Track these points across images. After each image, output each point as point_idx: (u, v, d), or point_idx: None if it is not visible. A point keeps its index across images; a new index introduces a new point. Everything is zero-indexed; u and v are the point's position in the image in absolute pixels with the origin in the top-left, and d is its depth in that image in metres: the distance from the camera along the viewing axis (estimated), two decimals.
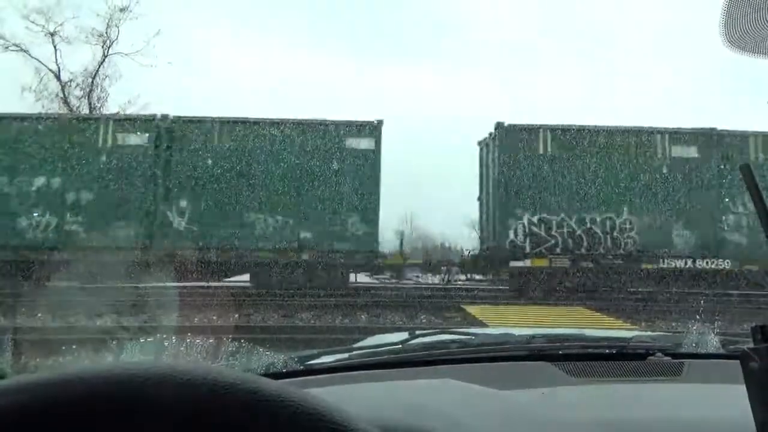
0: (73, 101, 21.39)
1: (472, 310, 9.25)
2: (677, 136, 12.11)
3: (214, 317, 8.23)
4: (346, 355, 1.28)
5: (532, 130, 11.95)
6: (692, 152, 12.09)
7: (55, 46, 20.86)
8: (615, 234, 11.83)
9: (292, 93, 35.74)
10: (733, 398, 0.78)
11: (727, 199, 12.04)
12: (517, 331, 1.52)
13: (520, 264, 11.60)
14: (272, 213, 11.49)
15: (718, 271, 11.78)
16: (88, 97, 21.42)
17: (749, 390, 0.66)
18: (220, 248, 11.20)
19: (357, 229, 11.62)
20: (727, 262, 11.87)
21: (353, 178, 11.60)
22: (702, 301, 10.98)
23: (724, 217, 12.00)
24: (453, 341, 1.37)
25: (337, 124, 11.81)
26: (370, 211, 11.69)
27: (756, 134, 12.24)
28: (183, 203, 11.38)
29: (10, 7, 21.50)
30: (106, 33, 21.00)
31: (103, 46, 21.21)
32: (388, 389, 1.07)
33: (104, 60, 21.36)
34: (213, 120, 11.64)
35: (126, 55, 21.18)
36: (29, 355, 5.46)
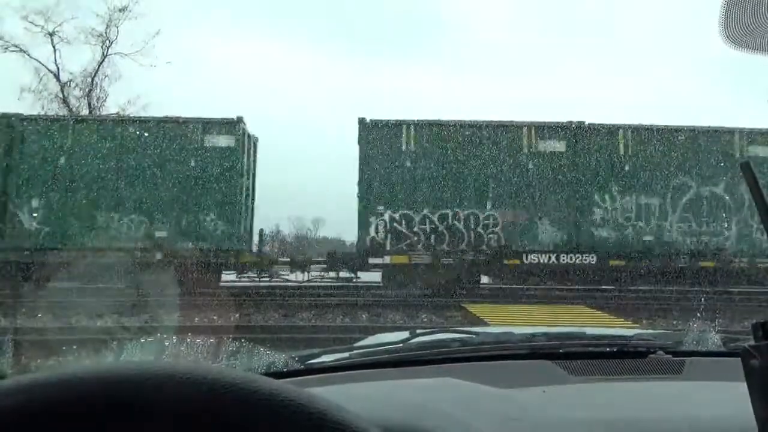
0: (73, 101, 21.49)
1: (474, 308, 9.20)
2: (543, 130, 11.98)
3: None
4: (346, 355, 1.28)
5: (394, 126, 11.82)
6: (559, 146, 11.96)
7: (54, 47, 20.92)
8: (479, 230, 11.67)
9: (293, 93, 35.79)
10: (734, 396, 0.77)
11: (593, 195, 11.90)
12: (517, 330, 1.55)
13: (379, 261, 11.42)
14: (126, 213, 11.35)
15: (582, 266, 11.62)
16: (88, 97, 21.54)
17: (750, 387, 0.65)
18: (72, 248, 11.03)
19: (216, 227, 11.48)
20: (593, 257, 11.71)
21: (212, 177, 11.46)
22: (566, 296, 10.93)
23: (589, 212, 11.86)
24: (453, 340, 1.37)
25: (195, 122, 11.68)
26: (230, 210, 11.55)
27: (625, 127, 12.10)
28: (34, 203, 11.24)
29: (9, 8, 21.68)
30: (106, 33, 21.11)
31: (102, 46, 21.31)
32: (388, 388, 1.06)
33: (104, 60, 21.42)
34: (67, 118, 11.52)
35: (125, 55, 21.24)
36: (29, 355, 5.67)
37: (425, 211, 11.61)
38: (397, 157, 11.65)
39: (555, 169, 11.80)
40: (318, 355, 1.29)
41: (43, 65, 21.00)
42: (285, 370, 1.17)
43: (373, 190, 11.60)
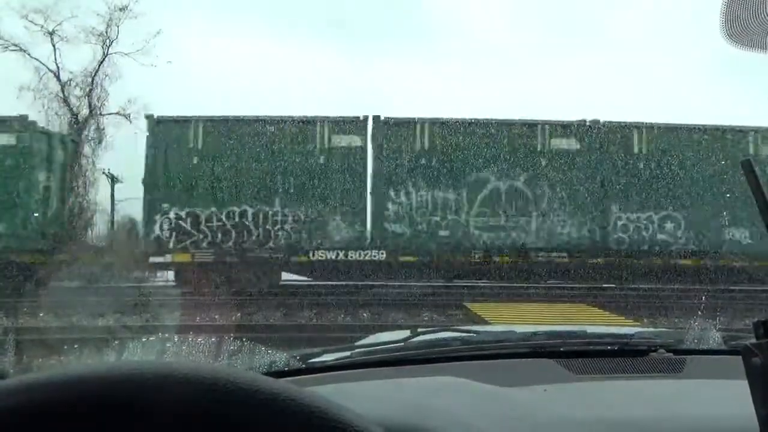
0: (73, 101, 21.26)
1: (475, 307, 9.15)
2: (337, 125, 11.83)
3: None
4: (347, 353, 1.28)
5: (183, 123, 11.67)
6: (355, 141, 11.82)
7: (54, 46, 20.75)
8: (267, 227, 11.51)
9: (293, 92, 35.74)
10: (735, 394, 0.77)
11: (391, 190, 11.75)
12: (518, 329, 1.56)
13: (160, 259, 11.27)
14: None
15: (370, 262, 11.45)
16: (88, 96, 21.27)
17: (751, 385, 0.65)
18: None
19: None
20: (382, 254, 11.54)
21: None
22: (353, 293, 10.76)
23: (383, 207, 11.70)
24: (455, 339, 1.37)
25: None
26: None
27: (423, 120, 11.94)
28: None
29: (9, 7, 21.64)
30: (106, 32, 20.91)
31: (102, 46, 21.09)
32: (390, 387, 1.06)
33: (104, 59, 21.20)
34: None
35: (126, 54, 21.05)
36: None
37: (212, 209, 11.45)
38: (185, 155, 11.51)
39: (347, 163, 11.64)
40: (319, 354, 1.29)
41: (43, 64, 20.86)
42: (286, 369, 1.18)
43: (156, 188, 11.44)
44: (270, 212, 11.51)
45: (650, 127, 12.15)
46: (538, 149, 11.95)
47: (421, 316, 9.26)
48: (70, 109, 20.52)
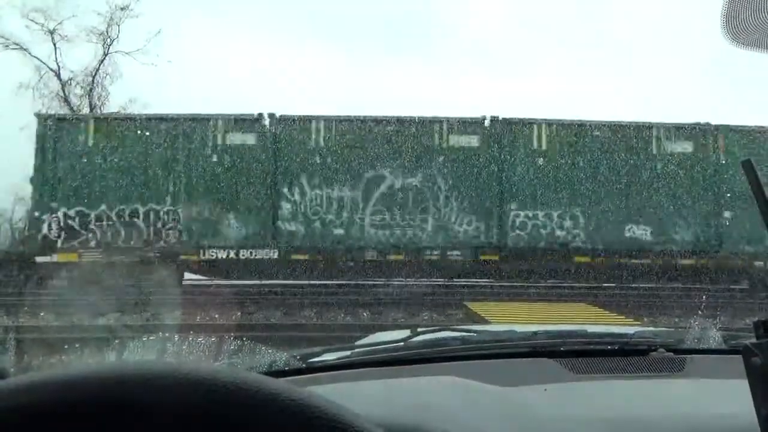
0: (74, 100, 21.45)
1: (475, 306, 9.13)
2: (230, 123, 11.71)
3: None
4: (348, 353, 1.28)
5: (74, 122, 11.59)
6: (250, 139, 11.69)
7: (55, 45, 20.79)
8: (158, 226, 11.42)
9: (292, 92, 35.69)
10: (735, 393, 0.77)
11: (285, 188, 11.64)
12: (519, 328, 1.55)
13: (47, 259, 11.19)
14: None
15: (262, 260, 11.36)
16: (89, 95, 21.42)
17: (752, 385, 0.66)
18: None
19: None
20: (275, 252, 11.45)
21: None
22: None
23: (278, 206, 11.59)
24: (455, 338, 1.37)
25: None
26: None
27: (317, 118, 11.82)
28: None
29: (10, 6, 21.65)
30: (107, 31, 20.99)
31: (103, 45, 21.15)
32: (390, 387, 1.07)
33: (105, 58, 21.26)
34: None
35: (127, 53, 21.10)
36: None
37: (102, 208, 11.36)
38: (75, 153, 11.40)
39: (242, 161, 11.53)
40: (319, 354, 1.28)
41: (44, 63, 20.93)
42: (286, 368, 1.17)
43: (48, 187, 11.34)
44: (162, 211, 11.41)
45: (550, 123, 12.01)
46: (436, 146, 11.82)
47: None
48: (71, 108, 20.60)
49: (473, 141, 11.91)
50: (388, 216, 11.67)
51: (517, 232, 11.84)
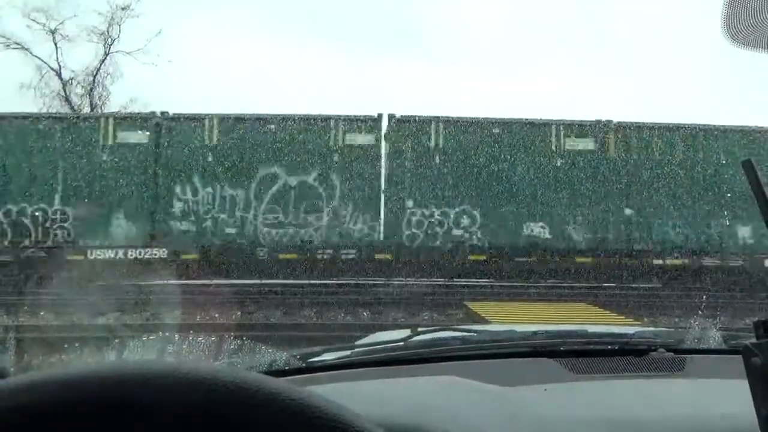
0: (75, 99, 21.52)
1: (475, 306, 9.08)
2: (121, 121, 11.65)
3: None
4: (348, 353, 1.28)
5: None
6: (141, 138, 11.61)
7: (56, 44, 20.85)
8: (46, 225, 11.32)
9: (293, 92, 35.70)
10: (735, 393, 0.77)
11: (177, 187, 11.54)
12: (519, 328, 1.55)
13: None
14: None
15: (150, 260, 11.25)
16: (90, 95, 21.50)
17: (751, 385, 0.66)
18: None
19: None
20: (164, 252, 11.34)
21: None
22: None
23: (170, 205, 11.50)
24: (455, 338, 1.37)
25: None
26: None
27: (210, 116, 11.73)
28: None
29: (11, 6, 21.72)
30: (108, 31, 21.04)
31: (104, 45, 21.21)
32: (390, 386, 1.07)
33: (105, 58, 21.32)
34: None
35: (128, 53, 21.13)
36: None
37: None
38: None
39: (132, 161, 11.44)
40: (319, 353, 1.28)
41: (45, 63, 20.98)
42: (286, 368, 1.18)
43: None
44: (50, 210, 11.31)
45: (447, 120, 11.92)
46: (332, 145, 11.72)
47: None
48: (72, 108, 20.63)
49: (370, 139, 11.82)
50: (282, 215, 11.56)
51: (413, 230, 11.73)
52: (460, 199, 11.72)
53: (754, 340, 0.66)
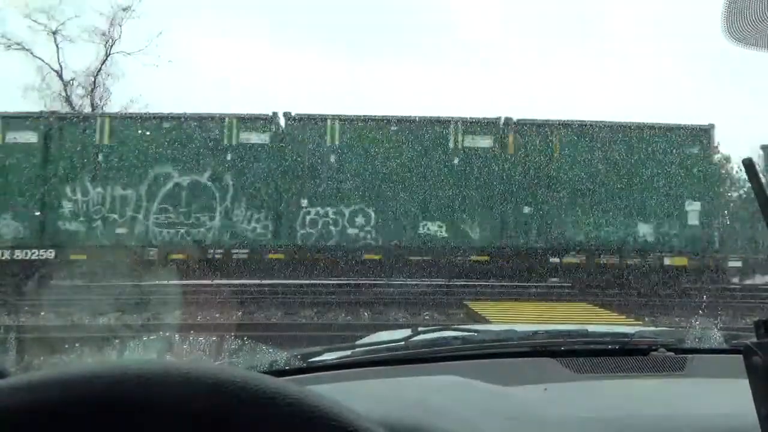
0: (76, 100, 21.49)
1: (475, 306, 9.07)
2: (13, 121, 11.54)
3: None
4: (348, 352, 1.28)
5: None
6: (31, 138, 11.50)
7: (57, 45, 20.87)
8: None
9: (292, 92, 35.74)
10: (736, 393, 0.77)
11: (66, 187, 11.43)
12: (519, 327, 1.54)
13: None
14: None
15: (37, 261, 11.15)
16: (91, 95, 21.46)
17: (752, 384, 0.66)
18: None
19: None
20: (51, 252, 11.23)
21: None
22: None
23: (58, 205, 11.39)
24: (456, 338, 1.37)
25: None
26: None
27: (102, 115, 11.64)
28: None
29: (12, 6, 21.73)
30: (109, 32, 21.09)
31: (105, 45, 21.22)
32: (391, 386, 1.06)
33: (107, 59, 21.31)
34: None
35: (128, 54, 21.17)
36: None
37: None
38: None
39: (19, 161, 11.33)
40: (320, 353, 1.28)
41: (46, 64, 20.95)
42: (287, 368, 1.18)
43: None
44: None
45: (342, 118, 11.82)
46: (225, 144, 11.62)
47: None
48: (73, 108, 20.57)
49: (264, 138, 11.71)
50: (174, 215, 11.46)
51: (307, 229, 11.63)
52: (355, 197, 11.62)
53: (754, 340, 0.66)
